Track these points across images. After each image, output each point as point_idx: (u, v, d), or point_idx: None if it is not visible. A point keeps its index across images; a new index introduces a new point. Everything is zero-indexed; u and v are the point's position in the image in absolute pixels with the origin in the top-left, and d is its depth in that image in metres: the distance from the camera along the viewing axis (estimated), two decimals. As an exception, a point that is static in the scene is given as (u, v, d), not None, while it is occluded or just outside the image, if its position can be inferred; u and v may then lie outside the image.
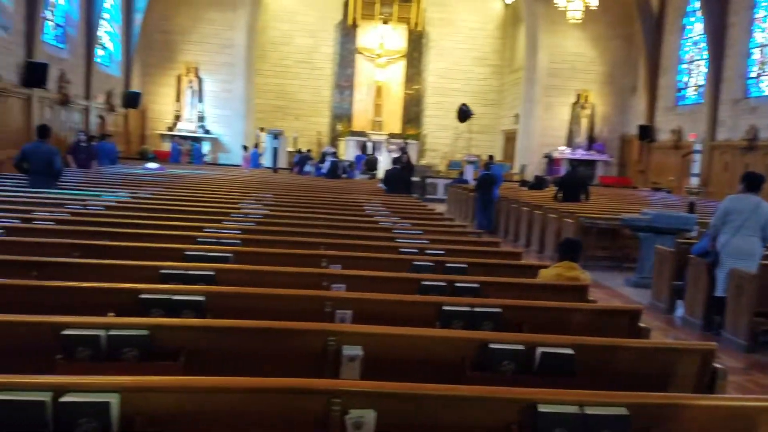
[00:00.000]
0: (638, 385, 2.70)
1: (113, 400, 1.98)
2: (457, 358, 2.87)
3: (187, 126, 23.46)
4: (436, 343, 2.94)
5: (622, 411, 2.14)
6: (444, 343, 2.94)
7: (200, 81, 23.62)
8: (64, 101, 16.83)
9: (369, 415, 2.12)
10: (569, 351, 2.76)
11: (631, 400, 2.19)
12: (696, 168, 9.10)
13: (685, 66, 22.10)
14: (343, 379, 2.64)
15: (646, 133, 22.90)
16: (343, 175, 19.11)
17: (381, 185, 13.93)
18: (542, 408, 2.12)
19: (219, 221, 6.61)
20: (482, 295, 4.02)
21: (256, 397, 2.13)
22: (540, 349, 2.77)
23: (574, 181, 12.65)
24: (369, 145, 24.40)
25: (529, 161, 24.54)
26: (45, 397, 1.95)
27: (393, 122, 27.71)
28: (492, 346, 2.82)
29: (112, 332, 2.57)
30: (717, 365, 2.98)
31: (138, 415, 2.02)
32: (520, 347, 2.79)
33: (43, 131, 9.24)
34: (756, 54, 18.21)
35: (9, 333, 2.66)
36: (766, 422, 2.33)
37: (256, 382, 2.16)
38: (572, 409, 2.13)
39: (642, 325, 3.53)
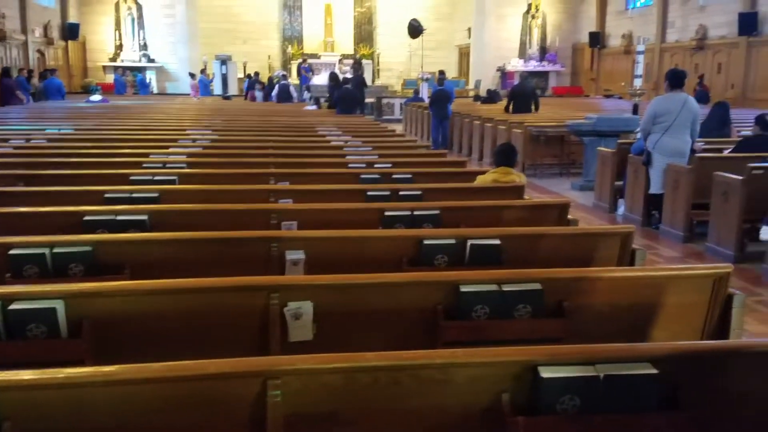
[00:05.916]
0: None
1: (59, 306, 2.10)
2: (395, 257, 3.03)
3: (130, 56, 22.60)
4: (376, 243, 3.08)
5: (536, 286, 2.34)
6: (383, 242, 3.09)
7: (139, 7, 22.58)
8: (1, 37, 16.06)
9: (306, 306, 2.28)
10: (496, 242, 2.95)
11: (544, 275, 2.39)
12: (639, 70, 9.26)
13: (634, -32, 21.99)
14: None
15: (597, 39, 22.96)
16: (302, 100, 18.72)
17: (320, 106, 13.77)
18: (464, 288, 2.31)
19: (166, 148, 6.56)
20: (424, 201, 4.17)
21: (198, 297, 2.26)
22: (470, 242, 2.95)
23: (523, 92, 12.76)
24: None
25: (483, 76, 24.44)
26: (-7, 307, 2.06)
27: (345, 42, 27.13)
28: (426, 242, 2.99)
29: (56, 250, 2.65)
30: (636, 246, 3.22)
31: (85, 319, 2.14)
32: (452, 241, 2.97)
33: None
34: (705, -50, 18.13)
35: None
36: (674, 291, 2.55)
37: (197, 282, 2.28)
38: (491, 287, 2.32)
39: (570, 217, 3.75)
